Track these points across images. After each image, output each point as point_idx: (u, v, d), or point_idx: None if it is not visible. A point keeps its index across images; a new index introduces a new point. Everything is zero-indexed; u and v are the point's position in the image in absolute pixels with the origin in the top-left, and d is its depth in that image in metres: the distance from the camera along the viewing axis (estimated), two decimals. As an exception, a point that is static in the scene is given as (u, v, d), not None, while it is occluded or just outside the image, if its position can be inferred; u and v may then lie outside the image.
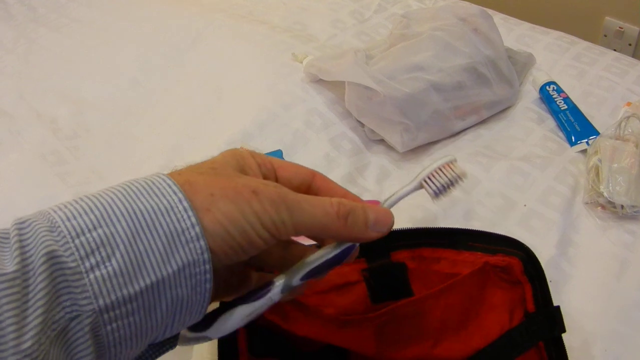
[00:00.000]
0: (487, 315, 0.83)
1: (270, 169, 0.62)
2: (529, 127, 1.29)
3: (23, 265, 0.44)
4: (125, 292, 0.47)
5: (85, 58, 1.44)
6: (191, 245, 0.49)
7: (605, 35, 2.60)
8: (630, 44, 2.56)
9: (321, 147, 1.20)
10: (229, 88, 1.34)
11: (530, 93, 1.37)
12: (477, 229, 0.88)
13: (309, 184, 0.64)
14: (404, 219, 1.06)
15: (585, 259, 1.03)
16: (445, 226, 0.91)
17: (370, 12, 1.65)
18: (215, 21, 1.55)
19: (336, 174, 1.16)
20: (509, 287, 0.83)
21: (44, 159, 1.17)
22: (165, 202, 0.50)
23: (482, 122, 1.29)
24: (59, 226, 0.46)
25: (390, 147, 1.21)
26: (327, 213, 0.57)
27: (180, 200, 0.50)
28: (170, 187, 0.51)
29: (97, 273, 0.46)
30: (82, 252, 0.46)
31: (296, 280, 0.59)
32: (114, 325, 0.47)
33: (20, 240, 0.46)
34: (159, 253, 0.48)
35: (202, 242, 0.50)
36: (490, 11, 1.41)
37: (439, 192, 0.65)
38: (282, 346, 0.80)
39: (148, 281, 0.48)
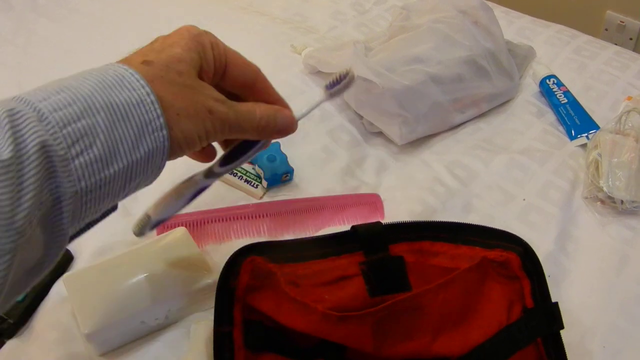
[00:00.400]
0: (485, 310, 0.82)
1: (222, 64, 0.68)
2: (528, 121, 1.28)
3: (17, 151, 0.49)
4: (102, 175, 0.54)
5: (85, 49, 1.43)
6: (156, 134, 0.58)
7: (607, 29, 2.59)
8: (631, 38, 2.55)
9: (319, 140, 1.19)
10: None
11: (530, 86, 1.37)
12: (475, 223, 0.88)
13: (253, 82, 0.73)
14: (403, 212, 1.05)
15: (584, 254, 1.03)
16: (444, 219, 0.91)
17: (370, 3, 1.64)
18: (215, 12, 1.54)
19: (334, 166, 1.15)
20: (507, 282, 0.83)
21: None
22: (136, 95, 0.56)
23: (482, 115, 1.28)
24: (47, 117, 0.51)
25: (388, 140, 1.21)
26: (254, 128, 0.69)
27: (148, 94, 0.57)
28: (138, 81, 0.57)
29: (81, 159, 0.53)
30: (69, 141, 0.52)
31: (217, 168, 0.73)
32: (91, 202, 0.55)
33: (12, 128, 0.50)
34: (131, 140, 0.56)
35: (164, 132, 0.58)
36: (490, 4, 1.40)
37: (333, 87, 0.77)
38: (278, 341, 0.79)
39: (122, 165, 0.56)
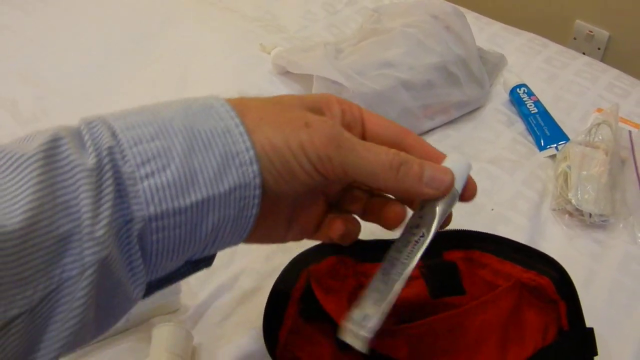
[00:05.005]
0: (521, 333, 0.82)
1: (357, 118, 0.62)
2: (498, 130, 1.27)
3: (98, 160, 0.47)
4: (176, 203, 0.49)
5: (50, 39, 1.41)
6: (244, 168, 0.51)
7: (575, 38, 2.61)
8: (599, 48, 2.56)
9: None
10: (194, 77, 1.31)
11: (500, 95, 1.36)
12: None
13: (401, 142, 0.62)
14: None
15: (551, 267, 1.02)
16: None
17: (341, 4, 1.62)
18: (182, 7, 1.52)
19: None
20: (543, 306, 0.82)
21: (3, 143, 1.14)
22: (222, 124, 0.52)
23: (451, 122, 1.27)
24: (118, 135, 0.48)
25: (357, 144, 1.19)
26: (379, 160, 0.56)
27: (237, 125, 0.52)
28: (228, 112, 0.53)
29: (152, 181, 0.48)
30: (139, 160, 0.48)
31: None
32: (160, 235, 0.49)
33: (93, 139, 0.48)
34: (213, 171, 0.50)
35: (255, 167, 0.52)
36: (462, 9, 1.39)
37: None
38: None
39: (199, 196, 0.50)
